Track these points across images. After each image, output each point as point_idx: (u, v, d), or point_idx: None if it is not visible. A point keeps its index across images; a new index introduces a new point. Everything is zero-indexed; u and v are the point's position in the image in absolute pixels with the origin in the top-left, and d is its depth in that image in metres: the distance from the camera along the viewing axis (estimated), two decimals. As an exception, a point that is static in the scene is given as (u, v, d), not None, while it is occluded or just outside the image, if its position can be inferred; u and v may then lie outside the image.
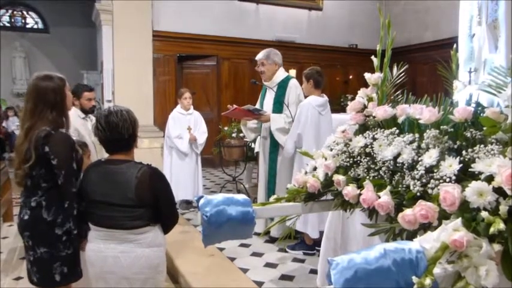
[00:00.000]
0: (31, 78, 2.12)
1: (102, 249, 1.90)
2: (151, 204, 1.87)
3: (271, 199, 1.97)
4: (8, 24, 13.15)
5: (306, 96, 3.77)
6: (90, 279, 2.00)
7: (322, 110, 3.61)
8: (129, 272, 1.86)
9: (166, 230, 2.00)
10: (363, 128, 1.85)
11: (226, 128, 5.70)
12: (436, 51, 7.87)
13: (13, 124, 10.62)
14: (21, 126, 2.08)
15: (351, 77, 10.16)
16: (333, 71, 9.95)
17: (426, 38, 9.22)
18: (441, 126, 1.45)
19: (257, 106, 4.21)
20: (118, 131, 1.87)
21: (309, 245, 3.67)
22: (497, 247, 1.12)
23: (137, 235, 1.87)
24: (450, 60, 2.03)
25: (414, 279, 1.04)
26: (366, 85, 1.97)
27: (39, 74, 2.11)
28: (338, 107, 8.61)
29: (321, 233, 3.39)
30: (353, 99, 1.96)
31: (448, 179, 1.30)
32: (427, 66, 8.68)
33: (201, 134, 5.22)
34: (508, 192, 1.14)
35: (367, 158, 1.67)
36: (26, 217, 2.05)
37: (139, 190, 1.83)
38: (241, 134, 5.41)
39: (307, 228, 3.55)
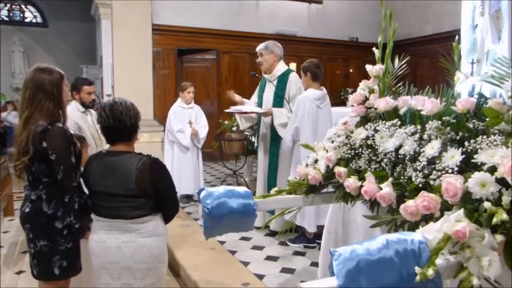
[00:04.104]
0: (31, 69, 2.11)
1: (104, 239, 1.92)
2: (152, 194, 1.90)
3: (272, 191, 1.96)
4: (7, 19, 13.09)
5: (305, 90, 3.75)
6: (94, 271, 2.01)
7: (321, 103, 3.60)
8: (131, 261, 1.88)
9: (167, 219, 2.03)
10: (364, 120, 1.85)
11: (226, 122, 5.69)
12: (437, 44, 7.85)
13: (14, 119, 10.58)
14: (20, 115, 2.08)
15: (351, 70, 10.14)
16: (334, 64, 9.93)
17: (426, 31, 9.19)
18: (443, 118, 1.44)
19: (255, 98, 4.20)
20: (121, 119, 1.91)
21: (310, 238, 3.68)
22: (499, 237, 1.12)
23: (139, 224, 1.89)
24: (452, 53, 2.02)
25: (417, 269, 1.04)
26: (366, 78, 1.96)
27: (39, 66, 2.11)
28: (338, 100, 8.60)
29: (319, 227, 3.41)
30: (353, 92, 1.95)
31: (450, 170, 1.29)
32: (427, 60, 8.65)
33: (202, 127, 5.22)
34: (511, 182, 1.13)
35: (369, 150, 1.67)
36: (27, 210, 2.06)
37: (140, 180, 1.85)
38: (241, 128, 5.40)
39: (304, 222, 3.56)
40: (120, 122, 1.91)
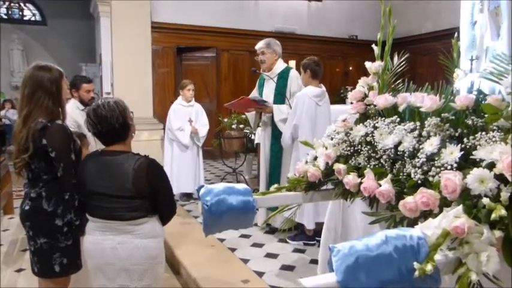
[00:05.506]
0: (30, 67, 2.11)
1: (100, 240, 1.89)
2: (149, 195, 1.87)
3: (272, 188, 1.97)
4: (5, 17, 13.05)
5: (305, 87, 3.75)
6: (90, 272, 2.00)
7: (320, 101, 3.60)
8: (127, 263, 1.86)
9: (164, 221, 2.00)
10: (363, 117, 1.85)
11: (226, 120, 5.70)
12: (436, 42, 7.85)
13: (13, 116, 10.56)
14: (19, 113, 2.08)
15: (350, 68, 10.13)
16: (333, 62, 9.93)
17: (426, 29, 9.18)
18: (442, 114, 1.44)
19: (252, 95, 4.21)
20: (108, 123, 1.86)
21: (309, 236, 3.69)
22: (498, 233, 1.12)
23: (135, 226, 1.86)
24: (451, 50, 2.02)
25: (415, 265, 1.04)
26: (366, 76, 1.96)
27: (38, 64, 2.11)
28: (338, 98, 8.60)
29: (319, 224, 3.41)
30: (353, 90, 1.95)
31: (449, 167, 1.29)
32: (426, 57, 8.65)
33: (203, 126, 5.21)
34: (509, 178, 1.13)
35: (368, 147, 1.67)
36: (27, 207, 2.06)
37: (137, 181, 1.82)
38: (241, 126, 5.41)
39: (303, 219, 3.56)
40: (107, 126, 1.86)
